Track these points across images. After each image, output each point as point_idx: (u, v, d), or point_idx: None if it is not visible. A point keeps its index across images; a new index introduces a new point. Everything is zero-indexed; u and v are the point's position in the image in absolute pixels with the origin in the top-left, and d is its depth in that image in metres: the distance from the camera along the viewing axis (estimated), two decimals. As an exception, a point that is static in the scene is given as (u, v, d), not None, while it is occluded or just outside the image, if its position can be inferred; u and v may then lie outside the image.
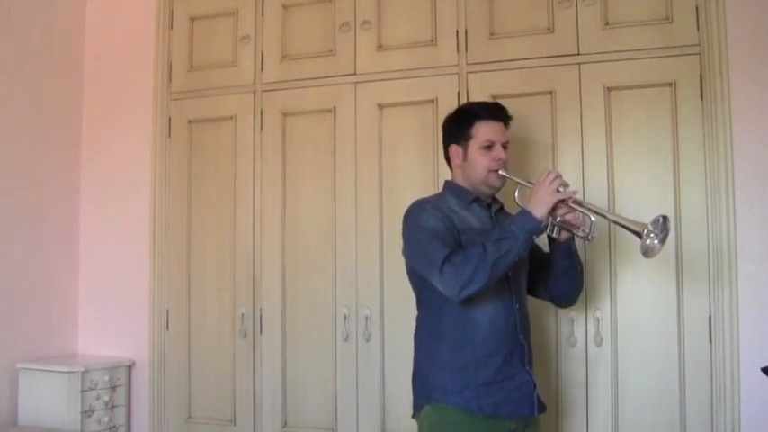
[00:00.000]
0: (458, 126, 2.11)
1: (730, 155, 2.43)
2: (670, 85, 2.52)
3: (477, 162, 2.05)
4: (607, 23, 2.60)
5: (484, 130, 2.05)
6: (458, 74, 2.75)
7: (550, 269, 2.12)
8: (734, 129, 2.44)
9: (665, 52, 2.52)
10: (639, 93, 2.56)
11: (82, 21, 3.41)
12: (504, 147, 2.07)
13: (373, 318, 2.79)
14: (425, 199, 2.13)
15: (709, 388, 2.41)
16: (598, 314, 2.52)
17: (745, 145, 2.43)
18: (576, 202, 1.94)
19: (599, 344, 2.53)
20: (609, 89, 2.58)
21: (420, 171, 2.78)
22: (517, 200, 2.07)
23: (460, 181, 2.12)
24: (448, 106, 2.71)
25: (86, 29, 3.41)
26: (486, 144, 2.04)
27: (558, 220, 1.96)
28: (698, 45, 2.50)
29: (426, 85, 2.79)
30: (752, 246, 2.41)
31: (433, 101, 2.77)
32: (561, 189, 1.91)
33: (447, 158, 2.16)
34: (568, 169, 2.57)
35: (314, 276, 2.90)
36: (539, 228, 1.90)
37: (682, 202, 2.48)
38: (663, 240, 1.84)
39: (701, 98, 2.49)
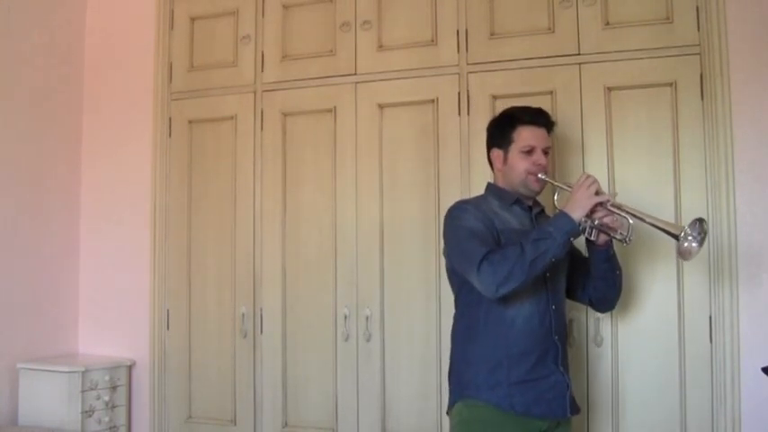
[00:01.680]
0: (500, 130, 2.13)
1: (730, 155, 2.43)
2: (670, 85, 2.52)
3: (518, 166, 2.07)
4: (607, 23, 2.60)
5: (525, 135, 2.07)
6: (458, 74, 2.75)
7: (589, 273, 2.14)
8: (734, 129, 2.44)
9: (665, 52, 2.52)
10: (640, 93, 2.56)
11: (82, 21, 3.41)
12: (546, 152, 2.09)
13: (374, 318, 2.79)
14: (467, 200, 2.19)
15: (709, 388, 2.41)
16: (598, 314, 2.52)
17: (745, 145, 2.43)
18: (614, 205, 1.96)
19: (599, 344, 2.53)
20: (609, 89, 2.58)
21: (420, 171, 2.78)
22: (556, 203, 2.10)
23: (501, 184, 2.14)
24: (448, 106, 2.74)
25: (86, 29, 3.41)
26: (527, 149, 2.06)
27: (596, 222, 1.98)
28: (698, 45, 2.50)
29: (426, 85, 2.79)
30: (752, 246, 2.41)
31: (433, 101, 2.77)
32: (599, 192, 1.94)
33: (489, 161, 2.19)
34: (569, 169, 2.58)
35: (314, 276, 2.90)
36: (576, 229, 1.92)
37: (682, 202, 2.48)
38: (701, 243, 1.86)
39: (702, 98, 2.49)
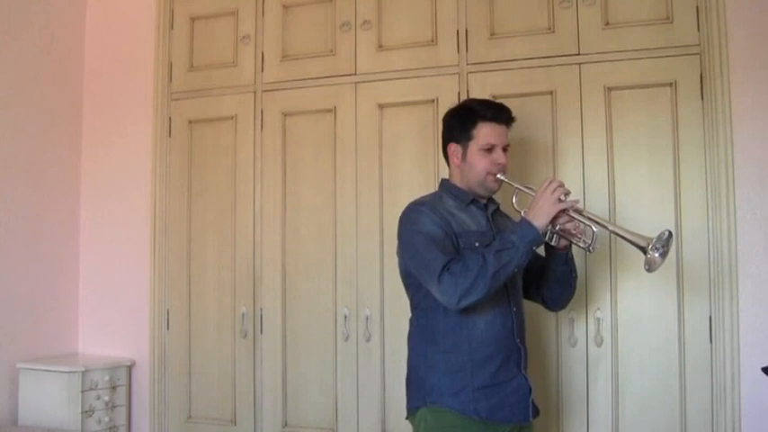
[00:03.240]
0: (459, 124, 2.05)
1: (730, 155, 2.43)
2: (670, 85, 2.52)
3: (477, 164, 2.01)
4: (607, 23, 2.60)
5: (485, 132, 2.00)
6: (458, 74, 2.75)
7: (545, 274, 2.10)
8: (734, 129, 2.44)
9: (665, 52, 2.52)
10: (639, 93, 2.56)
11: (82, 21, 3.41)
12: (505, 150, 2.03)
13: (374, 318, 2.79)
14: (422, 200, 2.08)
15: (709, 388, 2.41)
16: (598, 314, 2.52)
17: (745, 145, 2.43)
18: (576, 211, 1.90)
19: (599, 344, 2.53)
20: (609, 89, 2.58)
21: (420, 171, 2.78)
22: (515, 205, 2.05)
23: (457, 181, 2.08)
24: (448, 106, 2.71)
25: (86, 29, 3.41)
26: (487, 147, 2.00)
27: (557, 228, 1.94)
28: (698, 45, 2.50)
29: (427, 85, 2.79)
30: (752, 246, 2.41)
31: (433, 101, 2.77)
32: (563, 198, 1.87)
33: (445, 155, 2.12)
34: (568, 169, 2.58)
35: (314, 276, 2.90)
36: (539, 238, 1.87)
37: (682, 202, 2.48)
38: (664, 255, 1.82)
39: (702, 98, 2.49)
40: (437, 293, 1.86)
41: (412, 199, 2.73)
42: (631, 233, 1.86)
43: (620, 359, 2.51)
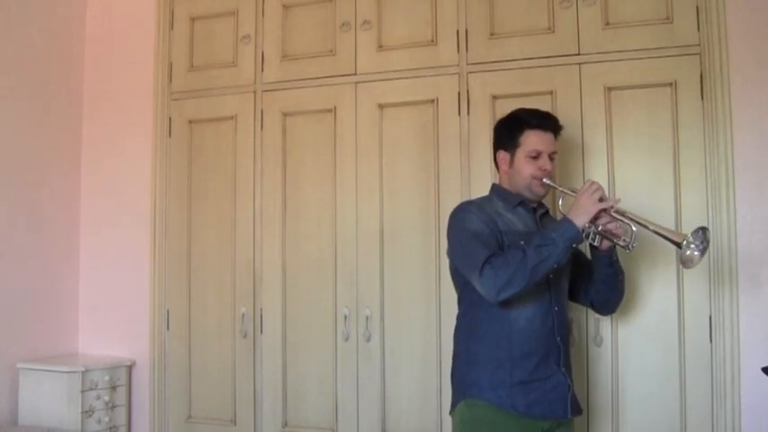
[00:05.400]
0: (507, 132, 2.13)
1: (730, 155, 2.44)
2: (670, 85, 2.52)
3: (523, 170, 2.08)
4: (607, 23, 2.60)
5: (532, 140, 2.07)
6: (458, 74, 2.75)
7: (592, 276, 2.15)
8: (734, 129, 2.44)
9: (665, 52, 2.52)
10: (639, 93, 2.56)
11: (82, 21, 3.41)
12: (551, 157, 2.10)
13: (374, 318, 2.79)
14: (471, 201, 2.19)
15: (709, 388, 2.41)
16: (598, 314, 2.52)
17: (745, 145, 2.43)
18: (617, 211, 1.96)
19: (599, 344, 2.53)
20: (609, 89, 2.58)
21: (420, 171, 2.78)
22: (561, 208, 2.11)
23: (506, 186, 2.15)
24: (448, 106, 2.74)
25: (86, 29, 3.41)
26: (533, 154, 2.07)
27: (599, 228, 1.99)
28: (698, 45, 2.50)
29: (426, 85, 2.79)
30: (752, 246, 2.41)
31: (433, 101, 2.77)
32: (603, 199, 1.94)
33: (495, 162, 2.19)
34: (569, 169, 2.58)
35: (314, 276, 2.90)
36: (578, 236, 1.92)
37: (682, 202, 2.48)
38: (703, 252, 1.87)
39: (702, 98, 2.49)
40: (478, 286, 1.93)
41: (412, 198, 2.77)
42: (668, 230, 1.94)
43: (620, 359, 2.51)
